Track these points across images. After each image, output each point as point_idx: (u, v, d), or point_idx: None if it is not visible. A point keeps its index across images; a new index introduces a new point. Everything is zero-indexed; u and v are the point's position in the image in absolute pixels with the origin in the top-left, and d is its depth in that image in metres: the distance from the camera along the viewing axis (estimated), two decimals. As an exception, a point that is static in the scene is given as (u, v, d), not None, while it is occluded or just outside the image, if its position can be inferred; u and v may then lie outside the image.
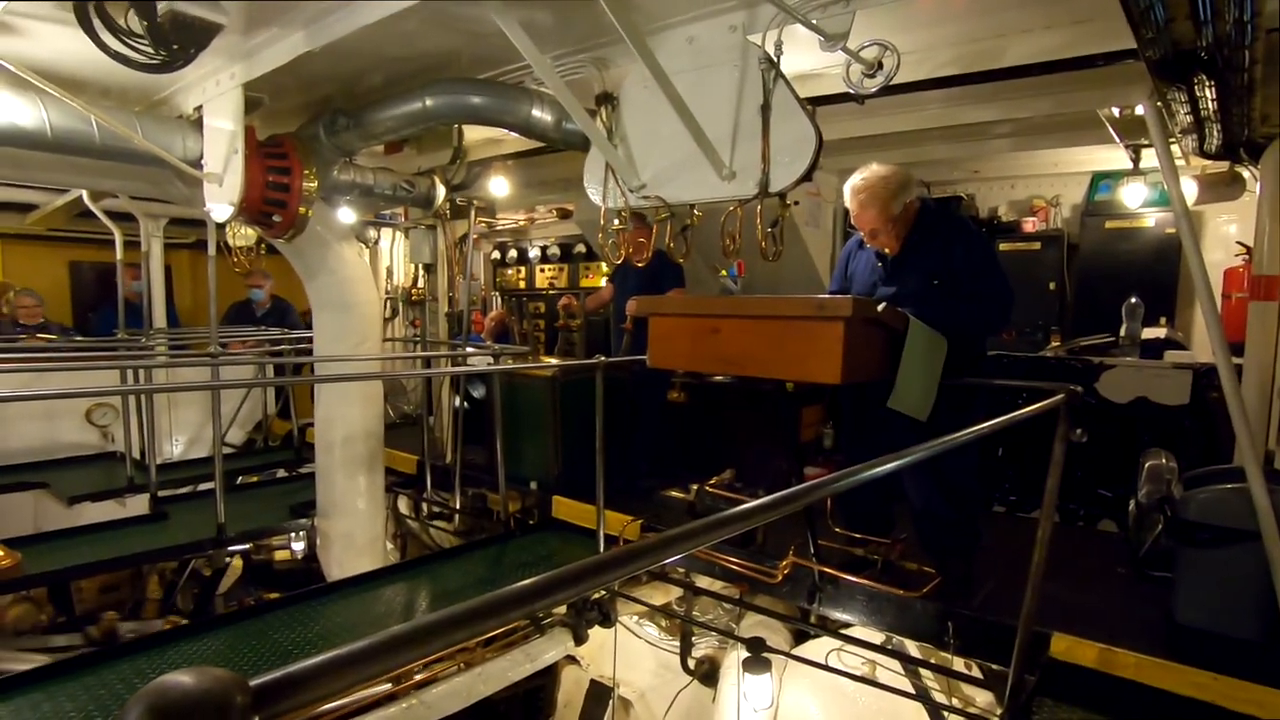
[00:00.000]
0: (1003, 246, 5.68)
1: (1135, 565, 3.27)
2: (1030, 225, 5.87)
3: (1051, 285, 5.61)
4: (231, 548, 4.63)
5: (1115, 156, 4.74)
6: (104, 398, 5.80)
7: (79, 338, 6.62)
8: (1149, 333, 4.55)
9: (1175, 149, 3.34)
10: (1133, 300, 4.45)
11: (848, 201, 3.01)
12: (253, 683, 0.54)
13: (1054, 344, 5.19)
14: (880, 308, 2.56)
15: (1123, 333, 4.45)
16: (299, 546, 5.21)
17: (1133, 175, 4.38)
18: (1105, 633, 2.66)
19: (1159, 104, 2.69)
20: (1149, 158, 3.87)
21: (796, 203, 2.57)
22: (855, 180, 2.97)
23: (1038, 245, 5.73)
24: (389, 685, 2.92)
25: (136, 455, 5.18)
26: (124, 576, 5.36)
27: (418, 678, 3.04)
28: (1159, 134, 2.79)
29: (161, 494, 4.76)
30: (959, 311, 2.87)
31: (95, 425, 5.93)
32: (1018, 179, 6.08)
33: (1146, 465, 3.29)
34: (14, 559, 3.63)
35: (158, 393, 5.16)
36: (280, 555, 5.73)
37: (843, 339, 2.33)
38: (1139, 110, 3.07)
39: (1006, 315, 2.97)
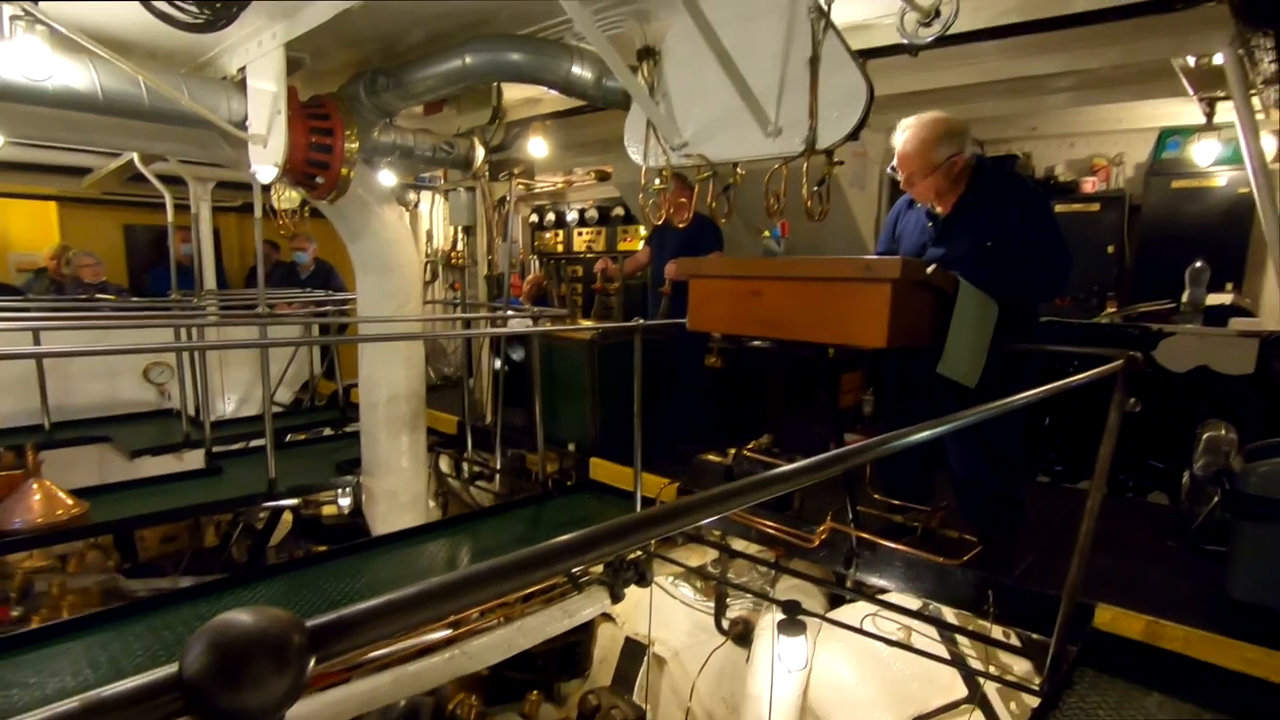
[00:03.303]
0: (1059, 208, 5.41)
1: (1187, 539, 3.17)
2: (1090, 185, 5.59)
3: (1110, 249, 5.35)
4: (282, 502, 4.82)
5: (1186, 111, 4.46)
6: (160, 356, 6.02)
7: (134, 299, 6.86)
8: (1213, 299, 4.33)
9: (1255, 101, 3.12)
10: (1197, 264, 4.23)
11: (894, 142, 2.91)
12: (308, 623, 0.55)
13: (1110, 310, 4.98)
14: (930, 269, 2.48)
15: (1185, 299, 4.24)
16: (345, 502, 5.40)
17: (1205, 131, 4.14)
18: (1153, 606, 2.59)
19: (1240, 51, 2.51)
20: (1224, 111, 3.63)
21: (841, 162, 2.48)
22: (903, 120, 2.86)
23: (1096, 207, 5.46)
24: (433, 635, 3.02)
25: (191, 412, 5.37)
26: (182, 527, 5.64)
27: (461, 629, 3.14)
28: (1239, 84, 2.61)
29: (215, 449, 4.94)
30: (1012, 275, 2.76)
31: (152, 383, 6.17)
32: (1078, 136, 5.77)
33: (1204, 436, 3.15)
34: (83, 507, 3.82)
35: (210, 350, 5.33)
36: (328, 510, 5.95)
37: (890, 301, 2.27)
38: (1217, 59, 2.86)
39: (1063, 281, 2.84)
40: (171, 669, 0.50)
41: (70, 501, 3.78)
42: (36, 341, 4.59)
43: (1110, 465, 2.30)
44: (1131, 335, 3.91)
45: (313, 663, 0.54)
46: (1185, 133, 5.07)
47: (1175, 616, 2.52)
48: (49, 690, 2.48)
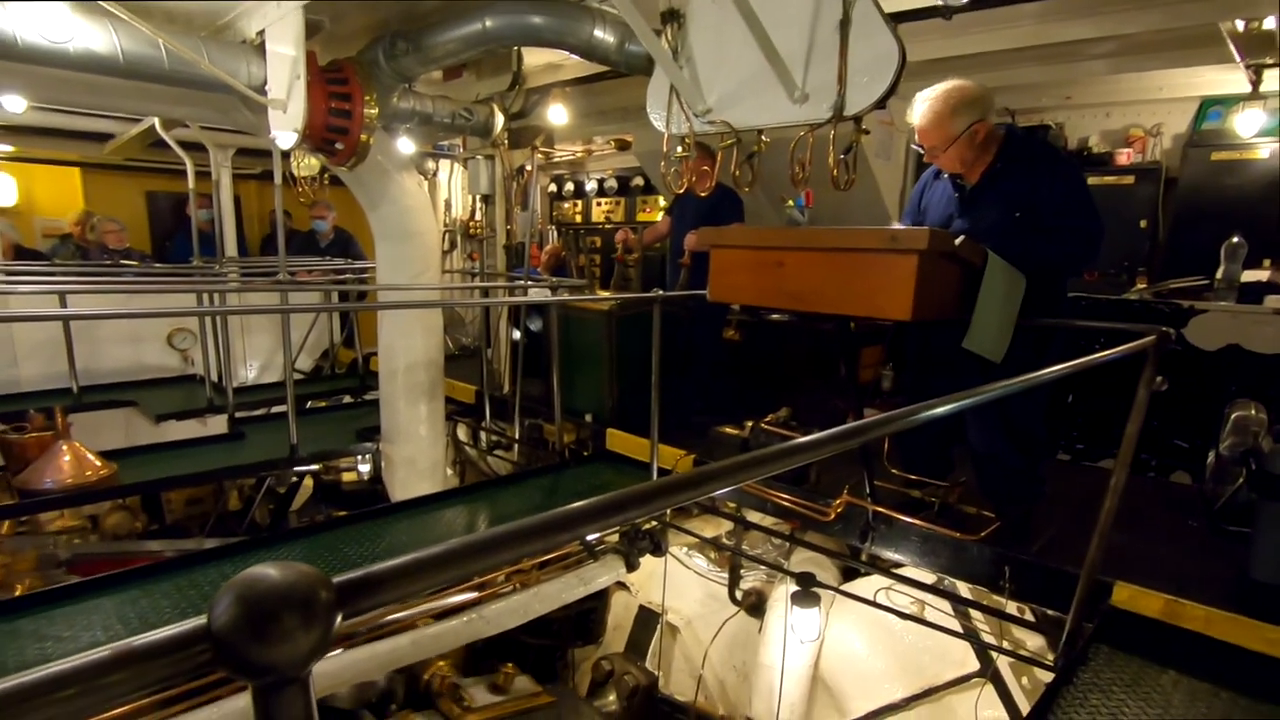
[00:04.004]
0: (1091, 180, 5.24)
1: (1210, 519, 3.13)
2: (1125, 157, 5.42)
3: (1143, 223, 5.21)
4: (303, 467, 4.90)
5: (1231, 79, 4.28)
6: (183, 323, 6.10)
7: (158, 265, 6.93)
8: (1249, 275, 4.21)
9: (1306, 68, 2.99)
10: (1234, 240, 4.11)
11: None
12: (335, 580, 0.55)
13: (1140, 286, 4.86)
14: (958, 241, 2.42)
15: (1219, 275, 4.13)
16: (365, 469, 5.48)
17: (1250, 100, 3.97)
18: (1173, 585, 2.58)
19: (1293, 15, 2.40)
20: (1271, 79, 3.48)
21: (868, 131, 2.41)
22: (919, 93, 2.79)
23: (1130, 179, 5.30)
24: (452, 599, 3.08)
25: (214, 378, 5.45)
26: (207, 491, 5.76)
27: (479, 594, 3.19)
28: (1289, 50, 2.49)
29: (238, 415, 5.02)
30: (1042, 246, 2.69)
31: (176, 349, 6.27)
32: (1114, 105, 5.58)
33: (1233, 416, 3.10)
34: (111, 469, 3.92)
35: (232, 315, 5.38)
36: (348, 476, 6.04)
37: (916, 273, 2.22)
38: (1268, 23, 2.74)
39: (1095, 251, 2.76)
40: (201, 621, 0.50)
41: (99, 463, 3.87)
42: (63, 305, 4.66)
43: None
44: (1161, 312, 3.83)
45: (339, 619, 0.54)
46: (1228, 102, 4.88)
47: (1195, 596, 2.50)
48: (82, 643, 2.56)
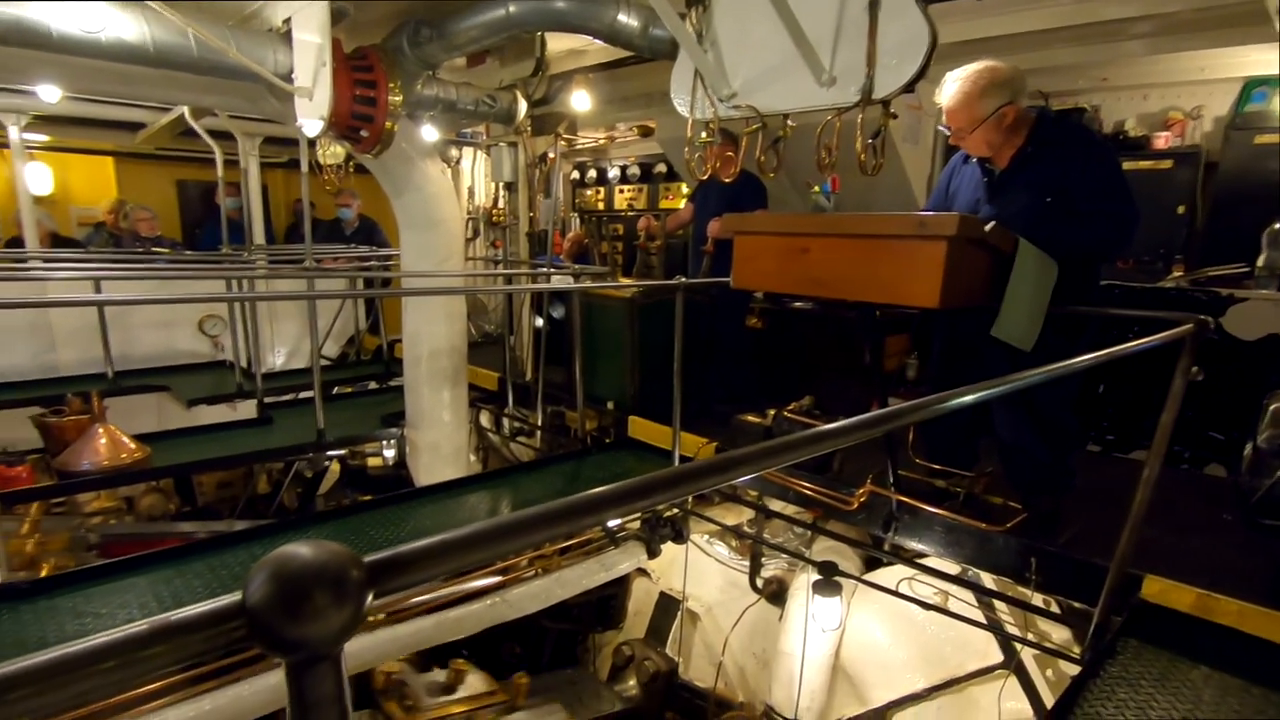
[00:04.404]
0: (1126, 165, 5.08)
1: (1245, 513, 3.05)
2: (1162, 141, 5.25)
3: (1180, 209, 5.06)
4: (330, 452, 4.98)
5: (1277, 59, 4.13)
6: (214, 310, 6.22)
7: (188, 252, 7.06)
8: (1292, 263, 4.08)
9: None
10: (1277, 226, 3.97)
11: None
12: (366, 559, 0.56)
13: (1176, 274, 4.73)
14: (988, 227, 2.37)
15: (1260, 262, 4.00)
16: (390, 454, 5.55)
17: (1297, 81, 3.82)
18: (1205, 579, 2.52)
19: (1346, -11, 2.29)
20: (1320, 59, 3.34)
21: (896, 115, 2.37)
22: (948, 74, 2.73)
23: (1168, 164, 5.14)
24: (476, 583, 3.11)
25: (243, 364, 5.55)
26: (238, 474, 5.88)
27: (502, 578, 3.23)
28: (1341, 27, 2.39)
29: (266, 400, 5.11)
30: (1073, 232, 2.62)
31: (206, 335, 6.39)
32: (1152, 87, 5.39)
33: (1271, 408, 3.01)
34: (145, 452, 4.01)
35: (260, 301, 5.47)
36: (373, 461, 6.13)
37: (944, 260, 2.18)
38: (1317, 0, 2.63)
39: (1129, 237, 2.68)
40: (235, 597, 0.51)
41: (133, 446, 3.97)
42: (97, 291, 4.77)
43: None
44: (1199, 300, 3.72)
45: (370, 598, 0.54)
46: (1274, 83, 4.71)
47: (1229, 590, 2.45)
48: (119, 620, 2.64)
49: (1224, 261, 4.31)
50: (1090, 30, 3.75)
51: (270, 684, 2.54)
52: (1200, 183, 5.10)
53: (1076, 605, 2.80)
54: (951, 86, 2.70)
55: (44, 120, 6.49)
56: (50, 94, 5.25)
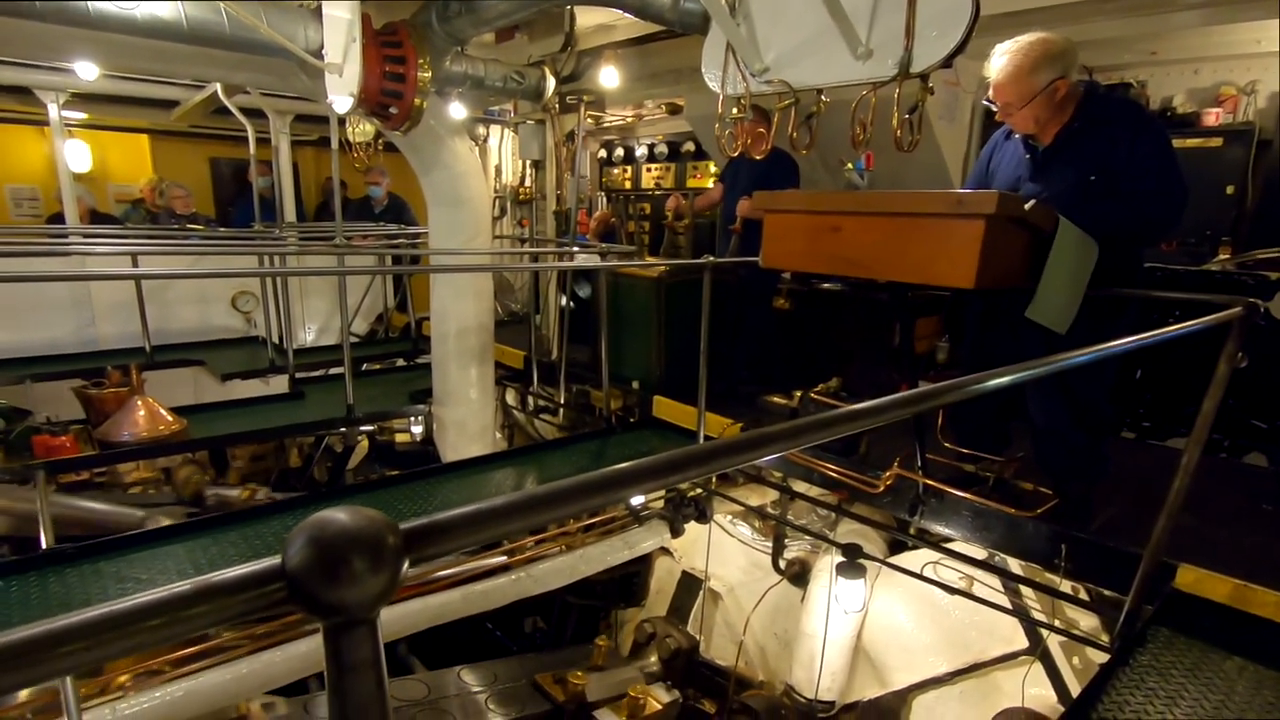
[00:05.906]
0: (1174, 143, 4.93)
1: (1287, 503, 2.97)
2: (1212, 118, 5.03)
3: (1229, 189, 4.87)
4: (359, 427, 5.06)
5: (1338, 30, 3.93)
6: (246, 285, 6.33)
7: (221, 229, 7.18)
8: (1347, 247, 3.92)
9: None
10: (1331, 208, 3.82)
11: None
12: (402, 526, 0.56)
13: (1222, 256, 4.57)
14: (1028, 205, 2.30)
15: (1313, 246, 3.85)
16: (418, 430, 5.62)
17: (1359, 54, 3.63)
18: (1243, 569, 2.46)
19: None
20: (1385, 30, 3.18)
21: (933, 90, 2.30)
22: (999, 45, 2.63)
23: (1218, 142, 4.93)
24: (503, 558, 3.16)
25: (275, 340, 5.65)
26: (270, 448, 6.01)
27: (528, 553, 3.27)
28: None
29: (298, 375, 5.20)
30: (1118, 211, 2.54)
31: (240, 311, 6.52)
32: (1203, 61, 5.15)
33: (1320, 396, 2.92)
34: (182, 424, 4.11)
35: (292, 276, 5.55)
36: (401, 437, 6.21)
37: (982, 239, 2.13)
38: (1386, -34, 2.49)
39: (1176, 218, 2.58)
40: (275, 561, 0.52)
41: (171, 418, 4.07)
42: (135, 265, 4.87)
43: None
44: (1246, 284, 3.60)
45: (406, 565, 0.55)
46: (1336, 57, 4.48)
47: (1268, 581, 2.39)
48: (159, 584, 2.71)
49: (1274, 244, 4.14)
50: (1140, 1, 3.59)
51: (303, 650, 2.61)
52: (1252, 162, 4.89)
53: (1107, 593, 2.76)
54: (1002, 59, 2.59)
55: (82, 98, 6.60)
56: (88, 71, 5.33)
